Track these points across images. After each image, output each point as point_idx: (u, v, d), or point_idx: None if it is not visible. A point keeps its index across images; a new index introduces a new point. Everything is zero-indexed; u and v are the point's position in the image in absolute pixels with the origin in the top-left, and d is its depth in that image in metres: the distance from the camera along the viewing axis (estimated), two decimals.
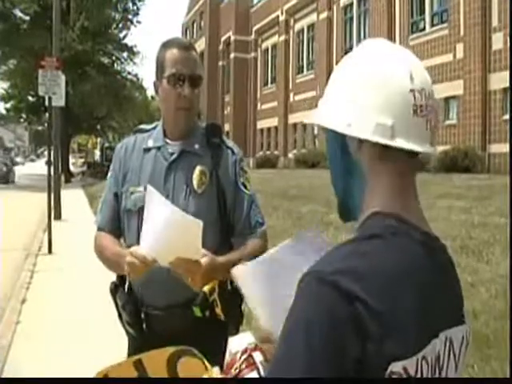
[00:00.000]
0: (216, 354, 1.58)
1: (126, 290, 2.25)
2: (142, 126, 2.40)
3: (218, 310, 2.08)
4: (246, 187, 2.25)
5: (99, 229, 2.32)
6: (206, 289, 2.04)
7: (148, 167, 2.23)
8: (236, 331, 2.19)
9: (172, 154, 2.22)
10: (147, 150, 2.26)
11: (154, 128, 2.32)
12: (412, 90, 1.08)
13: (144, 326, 2.20)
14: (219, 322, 2.11)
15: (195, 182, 2.18)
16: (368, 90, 1.09)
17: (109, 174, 2.36)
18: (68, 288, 7.68)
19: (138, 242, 1.99)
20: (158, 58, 2.22)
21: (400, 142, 1.07)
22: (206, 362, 1.56)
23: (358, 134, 1.09)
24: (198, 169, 2.19)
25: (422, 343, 1.01)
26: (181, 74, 2.14)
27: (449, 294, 1.12)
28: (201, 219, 1.90)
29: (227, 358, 1.41)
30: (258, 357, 1.34)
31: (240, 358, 1.37)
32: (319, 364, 0.92)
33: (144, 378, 1.64)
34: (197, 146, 2.23)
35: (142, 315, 2.20)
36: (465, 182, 15.35)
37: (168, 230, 1.85)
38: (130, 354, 2.17)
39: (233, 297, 2.12)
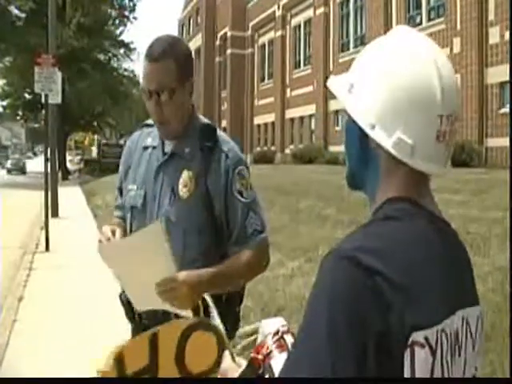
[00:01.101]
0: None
1: (125, 297, 2.22)
2: (149, 121, 2.34)
3: (213, 311, 2.06)
4: (241, 194, 2.12)
5: (116, 216, 2.40)
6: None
7: (143, 166, 2.23)
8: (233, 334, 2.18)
9: (165, 154, 2.20)
10: (146, 148, 2.27)
11: None
12: (440, 116, 1.08)
13: (136, 317, 2.19)
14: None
15: (180, 187, 2.12)
16: (399, 102, 1.08)
17: None
18: (65, 286, 7.67)
19: None
20: None
21: (417, 163, 1.09)
22: (225, 339, 1.55)
23: (379, 139, 1.10)
24: (184, 173, 2.12)
25: (441, 316, 1.04)
26: (148, 88, 2.08)
27: (462, 276, 1.15)
28: (183, 226, 1.95)
29: (259, 339, 1.43)
30: (289, 339, 1.34)
31: (272, 338, 1.38)
32: (341, 334, 0.94)
33: (144, 378, 1.64)
34: (187, 150, 2.15)
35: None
36: (462, 176, 15.34)
37: (132, 257, 1.88)
38: None
39: (228, 301, 2.13)
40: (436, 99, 1.07)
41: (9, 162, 57.08)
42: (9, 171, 51.41)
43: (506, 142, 19.13)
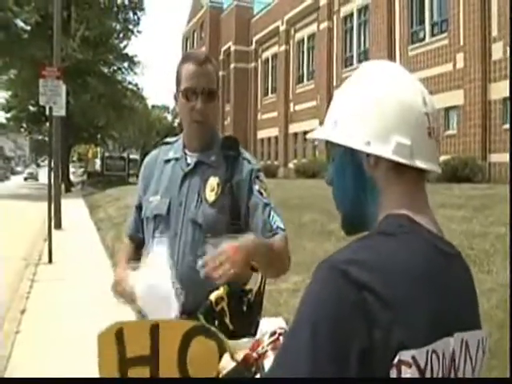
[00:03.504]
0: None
1: None
2: (167, 139, 2.52)
3: (227, 320, 2.05)
4: (262, 194, 2.25)
5: (126, 235, 2.52)
6: (212, 297, 2.04)
7: (166, 177, 2.34)
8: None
9: (189, 164, 2.31)
10: (167, 161, 2.38)
11: (177, 141, 2.43)
12: (426, 113, 1.14)
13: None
14: (230, 333, 2.05)
15: (207, 192, 2.23)
16: (386, 112, 1.13)
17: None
18: (68, 297, 7.67)
19: (151, 249, 2.17)
20: (176, 72, 2.31)
21: (418, 162, 1.13)
22: (227, 345, 1.55)
23: (378, 152, 1.13)
24: (211, 179, 2.24)
25: (433, 337, 1.01)
26: (194, 88, 2.22)
27: (463, 298, 1.13)
28: (210, 228, 2.11)
29: (257, 336, 1.46)
30: None
31: (269, 338, 1.41)
32: (323, 347, 0.93)
33: (144, 378, 1.64)
34: (213, 158, 2.29)
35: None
36: (465, 192, 15.32)
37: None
38: None
39: (249, 309, 2.16)
40: (418, 99, 1.14)
41: (26, 171, 78.03)
42: (25, 179, 69.40)
43: (508, 157, 19.13)
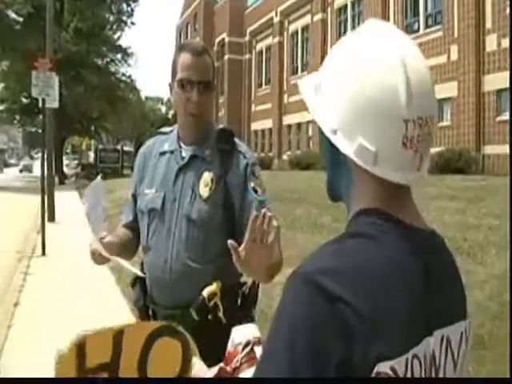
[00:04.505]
0: (219, 358, 1.56)
1: (141, 286, 2.34)
2: (163, 129, 2.50)
3: (220, 314, 2.09)
4: (256, 192, 2.20)
5: (122, 224, 2.47)
6: (204, 293, 2.07)
7: (161, 170, 2.31)
8: None
9: (183, 158, 2.28)
10: (163, 153, 2.35)
11: (172, 131, 2.40)
12: (406, 120, 0.98)
13: (146, 304, 2.31)
14: (224, 326, 2.10)
15: (201, 187, 2.20)
16: (359, 107, 1.00)
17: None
18: (61, 290, 7.64)
19: (146, 242, 2.28)
20: (173, 61, 2.28)
21: (381, 171, 1.01)
22: (193, 348, 1.54)
23: (341, 146, 1.03)
24: (205, 174, 2.21)
25: (413, 341, 0.96)
26: (190, 79, 2.18)
27: (445, 292, 1.07)
28: (204, 224, 2.11)
29: (229, 347, 1.41)
30: (259, 351, 1.32)
31: (242, 350, 1.36)
32: (301, 365, 0.89)
33: (145, 378, 1.62)
34: (207, 152, 2.25)
35: (150, 312, 2.29)
36: (459, 184, 15.37)
37: None
38: None
39: (246, 299, 2.21)
40: (400, 103, 0.98)
41: (21, 163, 78.62)
42: (20, 171, 69.48)
43: (502, 149, 19.19)
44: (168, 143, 2.35)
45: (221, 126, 2.36)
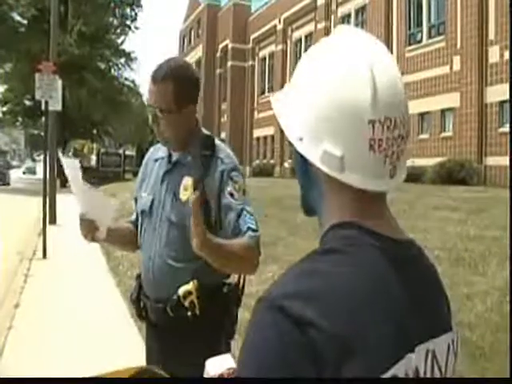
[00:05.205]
0: (204, 352, 1.58)
1: (138, 280, 2.50)
2: None
3: (197, 311, 2.21)
4: (233, 196, 2.25)
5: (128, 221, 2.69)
6: (180, 292, 2.20)
7: (154, 175, 2.48)
8: (232, 331, 2.36)
9: (170, 163, 2.43)
10: (156, 160, 2.51)
11: None
12: (371, 121, 0.93)
13: (143, 313, 2.44)
14: (211, 321, 2.24)
15: (181, 191, 2.22)
16: (322, 108, 0.96)
17: None
18: (62, 293, 7.64)
19: (139, 241, 2.49)
20: None
21: (349, 178, 0.96)
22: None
23: (306, 154, 0.98)
24: (185, 179, 2.21)
25: (391, 361, 0.90)
26: (152, 105, 2.27)
27: (425, 304, 1.01)
28: (183, 226, 2.18)
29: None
30: None
31: None
32: None
33: (147, 378, 1.63)
34: (189, 158, 2.35)
35: (142, 304, 2.44)
36: (461, 194, 15.36)
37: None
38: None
39: (226, 299, 2.30)
40: (364, 103, 0.93)
41: (25, 166, 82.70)
42: (24, 173, 72.10)
43: (505, 160, 19.17)
44: (162, 150, 2.49)
45: (206, 132, 2.43)
